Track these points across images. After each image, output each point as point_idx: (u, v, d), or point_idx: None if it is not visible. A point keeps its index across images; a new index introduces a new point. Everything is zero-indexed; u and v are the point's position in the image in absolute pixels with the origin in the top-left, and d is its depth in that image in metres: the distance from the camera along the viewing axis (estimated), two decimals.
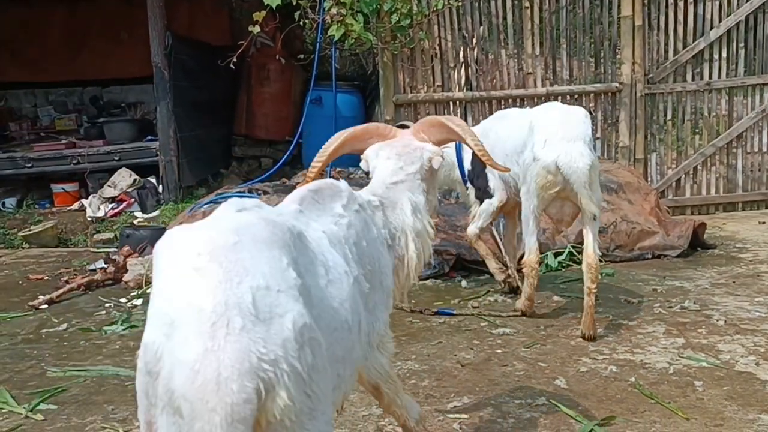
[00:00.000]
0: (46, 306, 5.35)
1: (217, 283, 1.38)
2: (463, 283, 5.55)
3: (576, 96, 7.85)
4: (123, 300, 5.43)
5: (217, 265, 1.41)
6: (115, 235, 7.49)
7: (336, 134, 2.60)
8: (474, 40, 7.76)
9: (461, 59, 7.76)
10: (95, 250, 7.29)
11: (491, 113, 7.46)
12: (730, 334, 4.17)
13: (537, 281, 4.54)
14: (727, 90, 7.87)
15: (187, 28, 9.86)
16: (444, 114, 7.78)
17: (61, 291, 5.58)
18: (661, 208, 6.56)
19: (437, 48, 7.74)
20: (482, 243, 5.14)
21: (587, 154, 4.10)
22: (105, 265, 6.10)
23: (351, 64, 11.43)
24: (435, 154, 2.54)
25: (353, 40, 7.06)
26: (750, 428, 3.06)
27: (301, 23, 7.37)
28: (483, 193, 4.96)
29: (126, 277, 5.83)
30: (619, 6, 7.71)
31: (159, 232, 6.68)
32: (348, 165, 7.97)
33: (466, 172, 5.08)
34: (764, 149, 7.93)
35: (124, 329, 4.74)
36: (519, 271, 4.99)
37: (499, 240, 5.77)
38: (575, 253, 5.83)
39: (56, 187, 8.81)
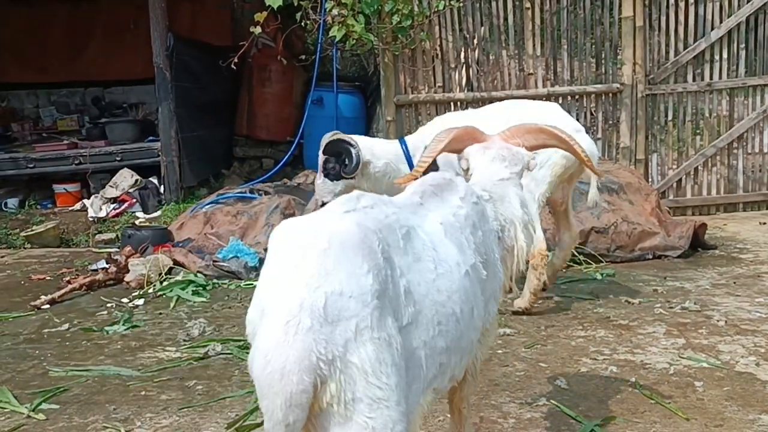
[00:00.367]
0: (48, 306, 5.35)
1: (299, 286, 1.61)
2: None
3: (577, 97, 7.86)
4: (125, 300, 5.44)
5: (303, 269, 1.64)
6: (117, 235, 7.50)
7: (440, 134, 2.65)
8: (475, 41, 7.77)
9: (462, 60, 7.78)
10: (97, 250, 7.30)
11: None
12: (731, 335, 4.18)
13: (544, 274, 4.64)
14: (728, 91, 7.88)
15: (189, 28, 9.87)
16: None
17: (62, 291, 5.59)
18: (662, 208, 6.57)
19: (438, 49, 7.75)
20: None
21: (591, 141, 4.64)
22: (107, 266, 6.10)
23: (352, 64, 11.43)
24: (531, 158, 2.70)
25: (354, 40, 7.07)
26: (750, 428, 3.07)
27: (302, 24, 7.39)
28: None
29: (127, 278, 5.84)
30: (620, 7, 7.72)
31: (160, 232, 6.71)
32: None
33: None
34: (765, 150, 7.94)
35: (125, 329, 4.75)
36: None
37: None
38: (575, 253, 5.84)
39: (58, 188, 8.82)
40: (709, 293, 5.02)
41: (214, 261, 6.00)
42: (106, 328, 4.78)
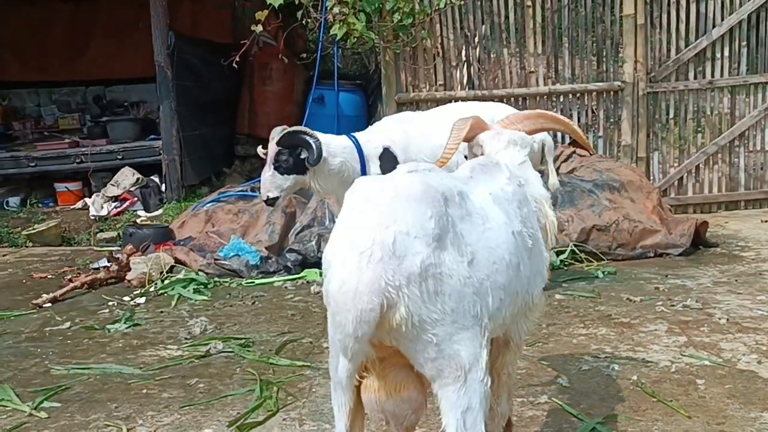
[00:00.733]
0: (49, 304, 5.36)
1: (373, 225, 1.90)
2: None
3: (578, 95, 7.86)
4: (126, 298, 5.45)
5: (377, 212, 1.94)
6: (118, 233, 7.51)
7: (458, 123, 2.76)
8: (476, 39, 7.76)
9: (463, 58, 7.77)
10: (98, 248, 7.31)
11: None
12: (732, 333, 4.18)
13: None
14: (729, 88, 7.87)
15: (190, 27, 9.86)
16: None
17: (64, 289, 5.60)
18: (663, 206, 6.56)
19: (439, 47, 7.75)
20: None
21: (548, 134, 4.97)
22: (108, 264, 6.11)
23: (353, 63, 11.44)
24: (534, 141, 2.95)
25: (355, 39, 7.07)
26: (752, 426, 3.07)
27: (303, 22, 7.38)
28: None
29: (129, 276, 5.85)
30: (621, 4, 7.71)
31: (162, 230, 6.71)
32: None
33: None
34: (766, 148, 7.93)
35: (127, 327, 4.76)
36: None
37: None
38: (577, 251, 5.84)
39: (59, 186, 8.83)
40: (710, 291, 5.02)
41: (215, 259, 6.00)
42: (108, 326, 4.79)
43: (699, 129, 7.98)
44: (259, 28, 6.99)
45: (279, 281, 5.77)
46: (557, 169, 6.86)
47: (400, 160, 4.90)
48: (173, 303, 5.29)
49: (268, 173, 4.70)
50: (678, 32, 7.78)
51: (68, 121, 10.81)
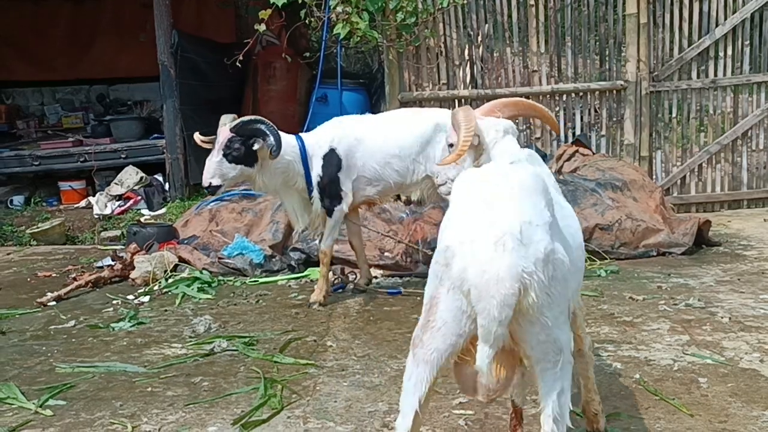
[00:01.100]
0: (54, 303, 5.38)
1: (500, 217, 2.05)
2: None
3: (581, 94, 7.86)
4: (130, 297, 5.47)
5: (503, 204, 2.10)
6: (122, 232, 7.53)
7: (466, 114, 2.80)
8: (479, 38, 7.77)
9: (466, 57, 7.78)
10: (102, 247, 7.33)
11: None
12: (735, 331, 4.19)
13: None
14: (732, 87, 7.87)
15: (194, 26, 9.89)
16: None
17: (68, 288, 5.62)
18: (666, 205, 6.57)
19: (442, 46, 7.76)
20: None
21: None
22: (112, 263, 6.13)
23: (356, 62, 11.45)
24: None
25: (359, 38, 7.08)
26: (754, 425, 3.08)
27: (306, 21, 7.39)
28: (333, 200, 4.97)
29: (133, 275, 5.86)
30: (624, 4, 7.71)
31: (166, 229, 6.73)
32: None
33: (315, 178, 4.95)
34: None
35: (131, 326, 4.77)
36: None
37: None
38: None
39: (63, 185, 8.86)
40: (713, 290, 5.03)
41: (219, 258, 6.02)
42: (112, 324, 4.81)
43: (702, 128, 7.97)
44: (263, 27, 7.00)
45: (283, 280, 5.79)
46: (560, 168, 6.90)
47: (344, 164, 4.92)
48: (177, 302, 5.31)
49: (215, 158, 4.64)
50: (681, 31, 7.78)
51: (72, 119, 10.85)
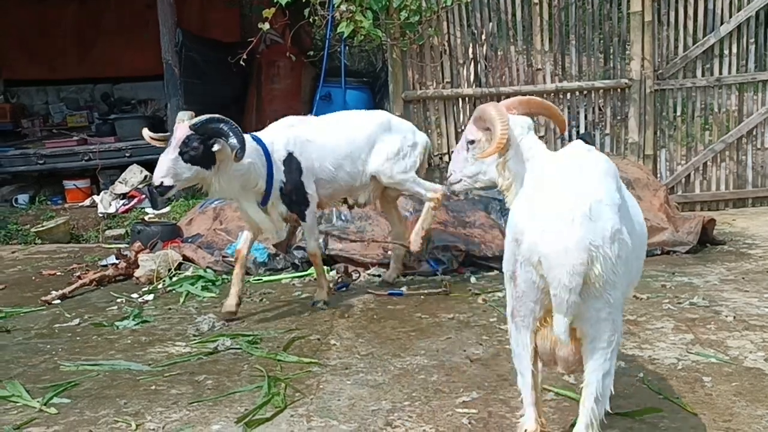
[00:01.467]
0: (58, 301, 5.40)
1: (572, 196, 2.24)
2: (472, 279, 5.58)
3: (585, 92, 7.85)
4: (134, 295, 5.48)
5: (573, 185, 2.29)
6: (126, 231, 7.55)
7: (498, 109, 2.91)
8: (483, 37, 7.76)
9: (470, 55, 7.77)
10: (107, 245, 7.35)
11: None
12: (739, 330, 4.17)
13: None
14: (737, 86, 7.85)
15: (198, 25, 9.91)
16: (453, 110, 7.80)
17: (73, 286, 5.63)
18: (671, 204, 6.56)
19: (446, 44, 7.75)
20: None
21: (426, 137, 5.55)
22: (116, 261, 6.15)
23: (360, 60, 11.45)
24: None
25: (362, 36, 7.08)
26: (758, 424, 3.07)
27: (310, 20, 7.39)
28: (299, 204, 4.85)
29: (137, 273, 5.88)
30: (628, 2, 7.69)
31: (170, 228, 6.74)
32: None
33: (278, 184, 4.75)
34: None
35: (135, 324, 4.78)
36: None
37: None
38: None
39: (68, 184, 8.88)
40: (717, 289, 5.01)
41: (223, 257, 6.03)
42: (117, 323, 4.82)
43: (706, 126, 7.95)
44: (267, 25, 7.00)
45: (287, 278, 5.79)
46: None
47: (304, 167, 4.82)
48: (181, 300, 5.32)
49: (170, 156, 4.27)
50: (686, 29, 7.76)
51: (76, 118, 10.87)
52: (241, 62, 7.06)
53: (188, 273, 5.84)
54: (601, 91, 7.86)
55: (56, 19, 10.78)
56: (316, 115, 7.99)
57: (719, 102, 7.87)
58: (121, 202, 8.39)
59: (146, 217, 7.89)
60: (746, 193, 7.96)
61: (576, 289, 2.13)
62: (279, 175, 4.73)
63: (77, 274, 6.08)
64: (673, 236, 6.06)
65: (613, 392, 2.36)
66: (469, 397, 3.43)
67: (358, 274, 5.67)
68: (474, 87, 7.75)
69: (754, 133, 7.89)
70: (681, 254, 5.98)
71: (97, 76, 11.22)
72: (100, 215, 8.13)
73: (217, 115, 4.38)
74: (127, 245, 6.79)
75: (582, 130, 7.77)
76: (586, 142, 7.58)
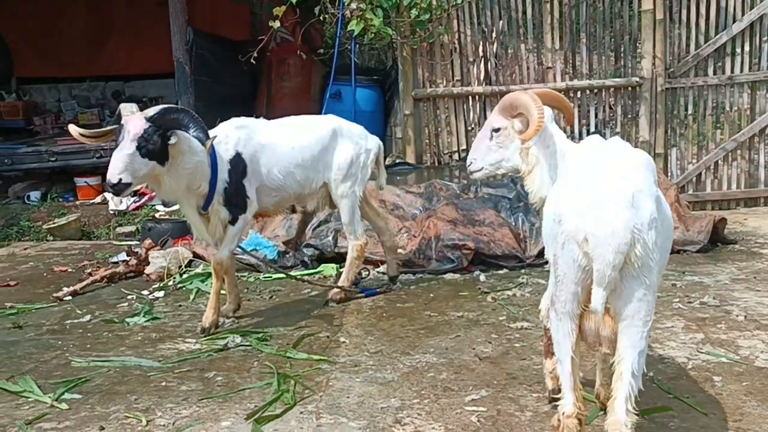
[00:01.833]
0: (70, 298, 5.43)
1: (617, 183, 2.42)
2: (482, 277, 5.57)
3: (595, 90, 7.82)
4: (145, 292, 5.50)
5: (617, 174, 2.46)
6: (137, 228, 7.58)
7: (530, 95, 3.10)
8: (493, 35, 7.75)
9: (480, 54, 7.76)
10: (118, 242, 7.38)
11: None
12: (750, 330, 4.16)
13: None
14: (749, 84, 7.80)
15: (209, 23, 9.92)
16: (463, 108, 7.80)
17: (84, 283, 5.66)
18: (681, 203, 6.52)
19: (456, 42, 7.74)
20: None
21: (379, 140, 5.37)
22: (127, 258, 6.17)
23: (370, 58, 11.45)
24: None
25: (373, 34, 7.09)
26: None
27: (320, 18, 7.41)
28: (238, 209, 4.51)
29: (148, 270, 5.90)
30: (639, 0, 7.66)
31: (180, 225, 6.76)
32: None
33: (222, 184, 4.42)
34: None
35: (146, 321, 4.81)
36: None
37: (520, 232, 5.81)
38: None
39: (79, 181, 8.92)
40: (728, 288, 4.99)
41: (233, 254, 6.03)
42: (127, 319, 4.84)
43: (718, 125, 7.91)
44: (277, 23, 7.02)
45: (296, 276, 5.80)
46: None
47: (249, 170, 4.54)
48: (192, 297, 5.34)
49: (126, 151, 3.93)
50: (697, 27, 7.71)
51: (88, 116, 10.90)
52: (252, 60, 7.08)
53: (198, 270, 5.86)
54: (612, 89, 7.83)
55: (68, 17, 10.83)
56: (326, 113, 8.06)
57: (731, 100, 7.83)
58: (132, 199, 8.41)
59: (157, 215, 7.92)
60: (758, 192, 7.91)
61: (618, 267, 2.30)
62: (224, 175, 4.41)
63: (88, 270, 6.11)
64: (684, 235, 6.03)
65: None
66: (478, 395, 3.43)
67: (367, 271, 5.68)
68: (484, 85, 7.74)
69: (767, 131, 7.83)
70: (692, 253, 5.95)
71: (108, 74, 11.27)
72: (111, 212, 8.16)
73: (174, 106, 4.20)
74: (137, 242, 6.82)
75: (593, 129, 7.75)
76: None
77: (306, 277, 5.54)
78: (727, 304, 4.62)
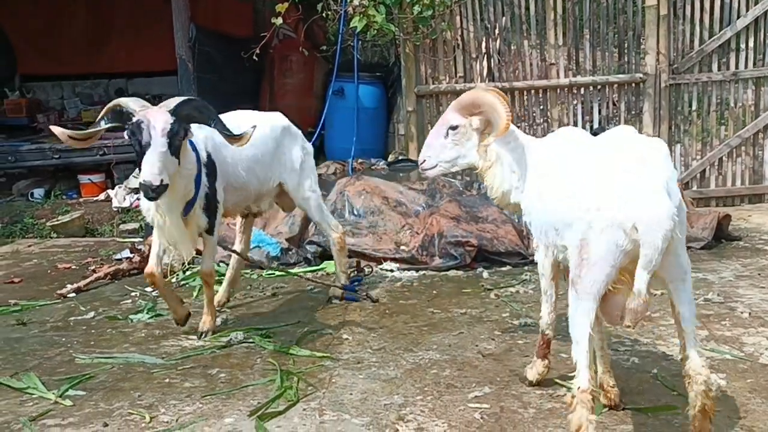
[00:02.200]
0: (73, 294, 5.44)
1: (654, 172, 2.61)
2: (485, 274, 5.57)
3: (599, 87, 7.80)
4: (148, 289, 5.49)
5: (649, 164, 2.64)
6: (141, 225, 7.58)
7: (495, 93, 3.21)
8: (496, 31, 7.73)
9: (483, 50, 7.74)
10: (121, 240, 7.39)
11: (514, 104, 7.46)
12: (755, 327, 4.15)
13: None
14: (753, 80, 7.77)
15: (211, 20, 9.90)
16: None
17: (88, 280, 5.67)
18: (685, 199, 6.49)
19: (459, 39, 7.73)
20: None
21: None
22: (130, 255, 6.18)
23: (373, 55, 11.41)
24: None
25: (375, 31, 7.07)
26: None
27: (323, 15, 7.39)
28: (213, 216, 4.30)
29: None
30: None
31: None
32: (370, 156, 8.00)
33: (203, 189, 4.16)
34: None
35: (149, 318, 4.82)
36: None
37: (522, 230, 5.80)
38: None
39: (83, 178, 8.93)
40: (732, 285, 4.98)
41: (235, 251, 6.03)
42: (131, 316, 4.86)
43: (722, 121, 7.89)
44: (280, 20, 7.01)
45: (299, 273, 5.80)
46: None
47: (219, 171, 4.30)
48: (194, 294, 5.35)
49: (161, 149, 3.59)
50: (702, 23, 7.69)
51: (91, 113, 10.89)
52: (254, 57, 7.07)
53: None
54: (616, 85, 7.81)
55: (71, 14, 10.84)
56: (329, 110, 8.05)
57: (735, 96, 7.80)
58: (136, 196, 8.40)
59: None
60: (762, 188, 7.89)
61: (663, 251, 2.49)
62: (204, 178, 4.13)
63: (92, 267, 6.12)
64: (688, 232, 5.92)
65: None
66: (481, 392, 3.43)
67: (370, 269, 5.67)
68: (487, 81, 7.72)
69: None
70: (696, 250, 5.93)
71: (111, 71, 11.28)
72: (115, 209, 8.17)
73: (193, 97, 3.97)
74: (141, 239, 6.83)
75: (596, 125, 7.73)
76: None
77: (308, 275, 5.54)
78: (732, 301, 4.61)
